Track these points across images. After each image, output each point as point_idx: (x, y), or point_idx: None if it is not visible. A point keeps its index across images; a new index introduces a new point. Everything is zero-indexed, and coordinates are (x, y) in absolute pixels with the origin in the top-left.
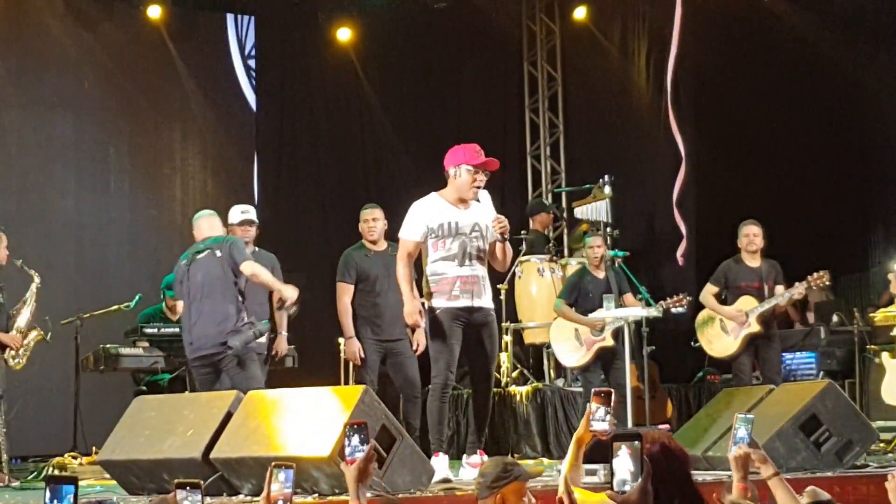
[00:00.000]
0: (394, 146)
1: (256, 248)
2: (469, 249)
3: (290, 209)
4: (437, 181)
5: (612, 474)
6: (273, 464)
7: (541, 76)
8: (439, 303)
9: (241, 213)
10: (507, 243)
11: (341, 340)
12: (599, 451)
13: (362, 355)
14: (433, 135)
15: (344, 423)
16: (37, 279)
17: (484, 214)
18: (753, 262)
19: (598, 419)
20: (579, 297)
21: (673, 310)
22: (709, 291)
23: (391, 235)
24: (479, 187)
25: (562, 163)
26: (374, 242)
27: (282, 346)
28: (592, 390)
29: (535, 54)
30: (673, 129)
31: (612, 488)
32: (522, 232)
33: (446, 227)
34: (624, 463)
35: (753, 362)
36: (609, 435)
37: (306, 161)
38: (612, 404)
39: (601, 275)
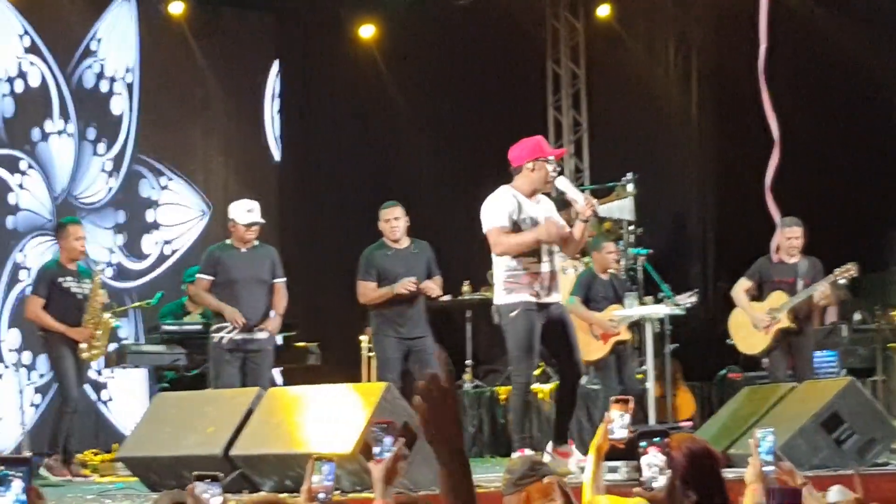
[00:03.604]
0: (416, 143)
1: (257, 242)
2: (548, 245)
3: (312, 206)
4: (459, 178)
5: (640, 471)
6: (314, 457)
7: (564, 74)
8: (521, 298)
9: (248, 211)
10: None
11: (363, 338)
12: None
13: (414, 281)
14: (455, 132)
15: (368, 422)
16: (97, 269)
17: (551, 209)
18: (792, 258)
19: (619, 426)
20: (588, 297)
21: (681, 304)
22: (741, 286)
23: (413, 233)
24: (553, 178)
25: (585, 161)
26: (395, 241)
27: (270, 324)
28: (612, 398)
29: (559, 52)
30: (766, 111)
31: (640, 485)
32: None
33: (529, 222)
34: (652, 460)
35: (788, 359)
36: (626, 442)
37: (328, 158)
38: (631, 411)
39: (606, 278)
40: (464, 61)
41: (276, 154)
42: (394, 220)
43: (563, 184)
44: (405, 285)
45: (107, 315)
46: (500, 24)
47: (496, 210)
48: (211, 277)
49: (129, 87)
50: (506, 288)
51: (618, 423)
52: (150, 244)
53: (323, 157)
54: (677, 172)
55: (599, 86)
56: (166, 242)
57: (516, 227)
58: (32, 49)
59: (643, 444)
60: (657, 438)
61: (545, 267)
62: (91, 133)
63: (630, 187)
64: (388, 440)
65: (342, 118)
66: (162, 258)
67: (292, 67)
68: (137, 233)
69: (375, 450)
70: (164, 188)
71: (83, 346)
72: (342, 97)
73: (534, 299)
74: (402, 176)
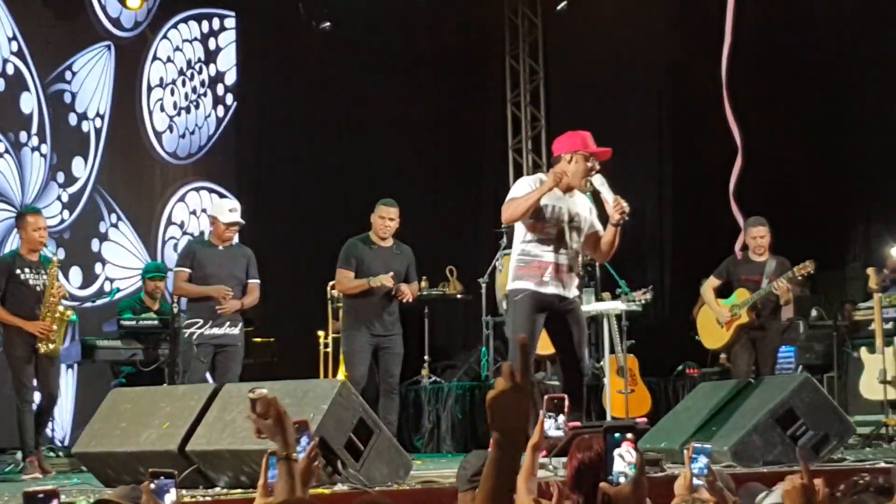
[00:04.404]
0: (373, 139)
1: (234, 242)
2: (566, 238)
3: (269, 201)
4: (416, 174)
5: (609, 465)
6: (268, 452)
7: (523, 70)
8: (526, 286)
9: (230, 210)
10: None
11: (321, 333)
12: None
13: (392, 276)
14: (413, 128)
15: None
16: (54, 259)
17: (585, 207)
18: (760, 257)
19: (552, 427)
20: None
21: (638, 301)
22: (710, 284)
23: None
24: (590, 176)
25: (543, 157)
26: (382, 238)
27: (231, 303)
28: (545, 397)
29: (518, 48)
30: (728, 119)
31: (605, 479)
32: (503, 226)
33: (549, 210)
34: (620, 454)
35: (751, 355)
36: (562, 441)
37: (286, 153)
38: (566, 410)
39: None
40: (422, 56)
41: (234, 147)
42: (388, 220)
43: (599, 182)
44: (382, 280)
45: (61, 307)
46: (458, 20)
47: (517, 188)
48: (189, 270)
49: (98, 132)
50: (515, 274)
51: (551, 423)
52: (91, 274)
53: (279, 154)
54: (635, 169)
55: (558, 82)
56: (108, 279)
57: (533, 213)
58: (19, 55)
59: (616, 437)
60: (622, 434)
61: (560, 258)
62: (54, 158)
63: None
64: (303, 440)
65: (299, 117)
66: (100, 292)
67: (250, 62)
68: (80, 260)
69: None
70: (113, 225)
71: (41, 339)
72: (299, 93)
73: (539, 289)
74: (360, 173)
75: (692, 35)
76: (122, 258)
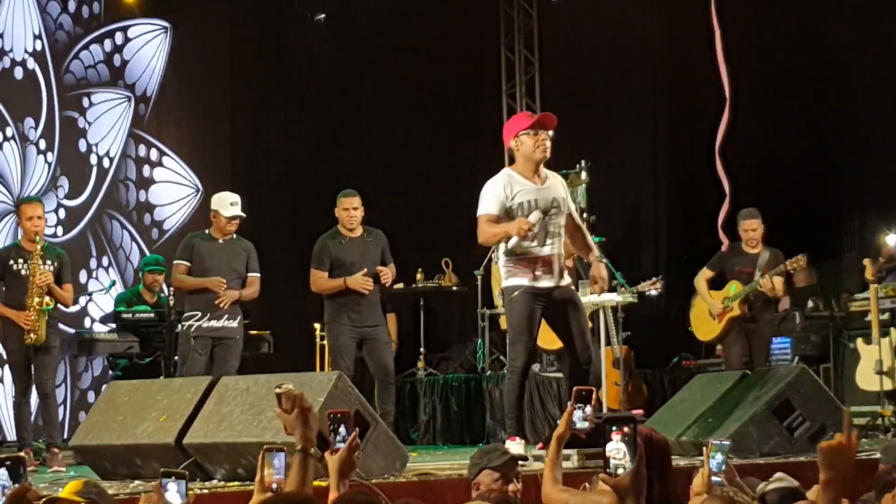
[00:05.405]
0: (369, 130)
1: (234, 236)
2: (550, 227)
3: (265, 193)
4: (413, 166)
5: (606, 457)
6: (265, 448)
7: (518, 61)
8: (520, 282)
9: (231, 204)
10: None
11: (317, 326)
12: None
13: (369, 284)
14: (409, 119)
15: (326, 413)
16: (37, 248)
17: (560, 188)
18: (753, 249)
19: (579, 418)
20: None
21: (647, 293)
22: (703, 276)
23: (366, 221)
24: (545, 146)
25: None
26: (350, 230)
27: (228, 293)
28: (574, 389)
29: (513, 39)
30: (721, 69)
31: (604, 471)
32: None
33: (526, 206)
34: (618, 446)
35: (744, 347)
36: (587, 432)
37: (281, 144)
38: (593, 402)
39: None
40: (417, 48)
41: (229, 139)
42: (352, 210)
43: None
44: (360, 284)
45: (37, 298)
46: (453, 11)
47: (487, 197)
48: (188, 263)
49: (104, 172)
50: (507, 272)
51: (578, 415)
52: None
53: (274, 144)
54: (631, 159)
55: (553, 72)
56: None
57: (510, 214)
58: (39, 57)
59: (614, 428)
60: (623, 425)
61: (544, 251)
62: (57, 171)
63: (583, 175)
64: (343, 430)
65: (294, 106)
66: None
67: (245, 52)
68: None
69: (331, 440)
70: (103, 268)
71: (27, 330)
72: (295, 83)
73: (535, 283)
74: (356, 164)
75: (687, 24)
76: (106, 303)
